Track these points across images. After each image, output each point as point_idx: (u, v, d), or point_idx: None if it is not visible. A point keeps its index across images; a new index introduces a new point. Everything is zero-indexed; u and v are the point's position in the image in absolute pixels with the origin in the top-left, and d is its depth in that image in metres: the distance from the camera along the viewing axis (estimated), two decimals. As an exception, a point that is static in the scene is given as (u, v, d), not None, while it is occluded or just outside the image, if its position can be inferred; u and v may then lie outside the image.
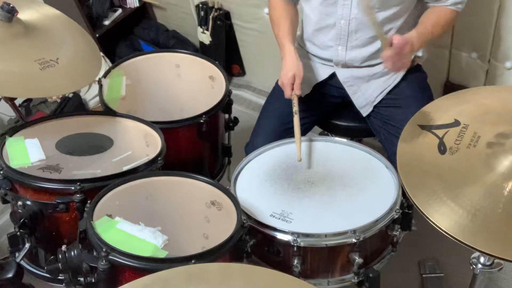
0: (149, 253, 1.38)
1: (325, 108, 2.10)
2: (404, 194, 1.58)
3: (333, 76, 2.02)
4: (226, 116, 2.06)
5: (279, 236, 1.55)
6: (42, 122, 1.83)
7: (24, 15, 1.82)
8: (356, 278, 1.59)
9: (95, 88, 2.73)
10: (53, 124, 1.84)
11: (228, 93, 1.98)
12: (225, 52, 3.06)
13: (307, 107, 2.02)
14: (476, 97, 1.55)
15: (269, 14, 2.05)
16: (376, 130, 2.01)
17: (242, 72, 3.22)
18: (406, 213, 1.64)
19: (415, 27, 1.84)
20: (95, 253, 1.40)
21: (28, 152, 1.70)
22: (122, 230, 1.44)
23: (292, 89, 1.84)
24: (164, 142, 1.75)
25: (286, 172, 1.76)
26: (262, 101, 2.28)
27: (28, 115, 2.74)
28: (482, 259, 1.44)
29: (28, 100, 2.79)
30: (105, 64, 2.76)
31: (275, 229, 1.56)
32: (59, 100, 2.76)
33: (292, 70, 1.84)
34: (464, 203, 1.25)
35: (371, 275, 1.58)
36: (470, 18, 2.13)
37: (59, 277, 1.57)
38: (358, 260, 1.55)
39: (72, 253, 1.43)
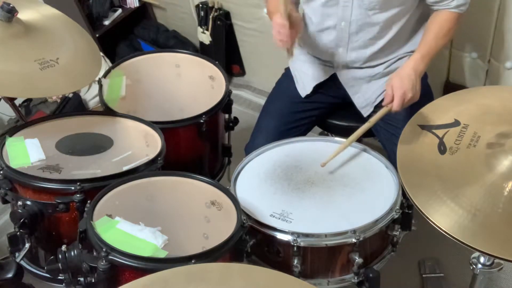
0: (149, 253, 1.38)
1: (325, 108, 2.10)
2: (404, 194, 1.58)
3: (333, 76, 2.02)
4: (226, 116, 2.06)
5: (279, 236, 1.55)
6: (42, 122, 1.83)
7: (24, 15, 1.82)
8: (356, 278, 1.59)
9: (95, 88, 2.73)
10: (53, 124, 1.84)
11: (228, 93, 1.98)
12: (225, 52, 3.06)
13: (307, 107, 2.02)
14: (476, 97, 1.55)
15: (266, 7, 2.04)
16: (376, 130, 2.01)
17: (242, 72, 3.22)
18: (406, 213, 1.64)
19: (418, 47, 1.83)
20: (95, 253, 1.40)
21: (28, 152, 1.70)
22: (122, 230, 1.44)
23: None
24: (164, 142, 1.75)
25: (286, 172, 1.76)
26: (262, 101, 2.29)
27: (28, 115, 2.73)
28: (482, 259, 1.44)
29: (28, 100, 2.79)
30: (105, 64, 2.76)
31: (275, 229, 1.56)
32: (59, 100, 2.76)
33: (282, 20, 1.72)
34: (464, 203, 1.25)
35: (371, 275, 1.58)
36: (470, 18, 2.12)
37: (59, 277, 1.57)
38: (358, 260, 1.55)
39: (72, 253, 1.43)
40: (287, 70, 2.15)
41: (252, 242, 1.54)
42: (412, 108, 1.73)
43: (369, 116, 2.01)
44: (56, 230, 1.65)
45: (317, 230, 1.54)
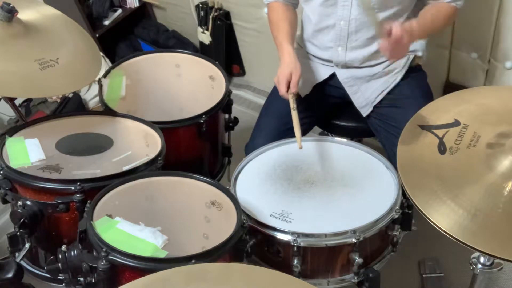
0: (149, 253, 1.38)
1: (325, 108, 2.10)
2: (404, 194, 1.59)
3: (333, 76, 2.02)
4: (226, 116, 2.06)
5: (279, 236, 1.55)
6: (42, 122, 1.83)
7: (24, 15, 1.82)
8: (356, 278, 1.59)
9: (95, 88, 2.73)
10: (53, 124, 1.84)
11: (228, 93, 1.99)
12: (225, 52, 3.06)
13: (307, 107, 2.02)
14: (476, 97, 1.55)
15: (268, 16, 2.05)
16: (376, 130, 2.01)
17: (242, 72, 3.22)
18: (406, 213, 1.64)
19: (415, 19, 1.82)
20: (95, 253, 1.40)
21: (28, 152, 1.70)
22: (122, 230, 1.44)
23: (288, 87, 1.82)
24: (164, 142, 1.75)
25: (286, 172, 1.76)
26: (262, 101, 2.28)
27: (28, 115, 2.74)
28: (482, 259, 1.44)
29: (28, 100, 2.79)
30: (105, 64, 2.76)
31: (275, 229, 1.56)
32: (59, 100, 2.76)
33: (289, 68, 1.83)
34: (464, 203, 1.25)
35: (371, 275, 1.58)
36: (470, 18, 2.13)
37: (59, 277, 1.57)
38: (358, 260, 1.55)
39: (72, 253, 1.43)
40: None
41: (252, 242, 1.54)
42: (412, 108, 1.72)
43: (369, 116, 2.01)
44: (56, 230, 1.65)
45: (317, 230, 1.54)
